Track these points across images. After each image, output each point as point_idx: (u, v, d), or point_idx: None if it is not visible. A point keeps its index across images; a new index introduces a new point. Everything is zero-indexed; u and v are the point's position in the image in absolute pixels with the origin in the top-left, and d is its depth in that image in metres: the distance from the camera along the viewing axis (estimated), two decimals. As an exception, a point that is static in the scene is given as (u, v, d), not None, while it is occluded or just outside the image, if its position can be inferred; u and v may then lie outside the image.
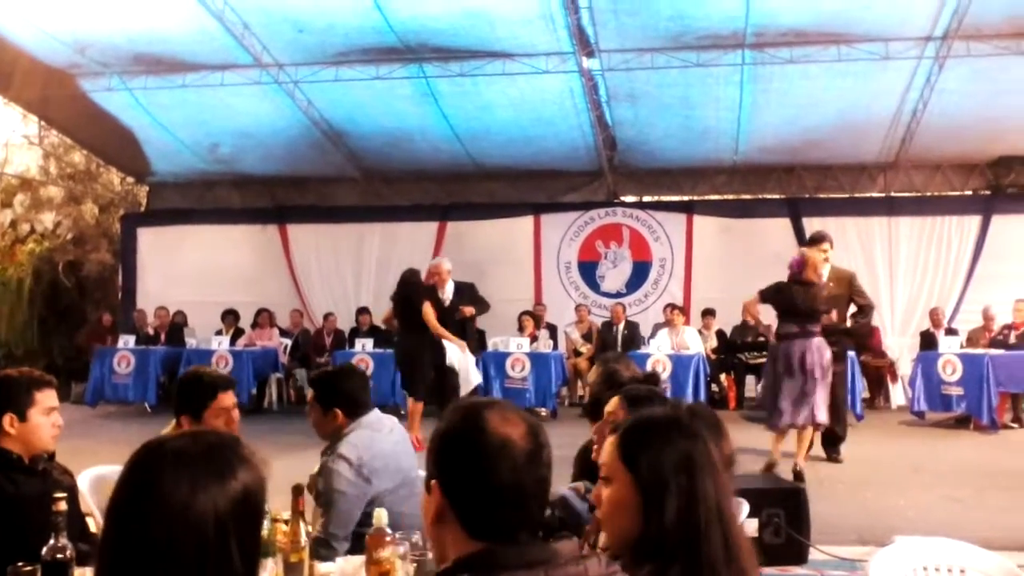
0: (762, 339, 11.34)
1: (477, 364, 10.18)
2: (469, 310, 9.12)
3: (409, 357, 8.95)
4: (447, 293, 9.06)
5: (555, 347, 11.64)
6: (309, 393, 3.56)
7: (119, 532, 1.37)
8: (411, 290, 8.94)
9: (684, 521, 1.71)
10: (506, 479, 1.53)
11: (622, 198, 13.69)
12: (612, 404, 2.95)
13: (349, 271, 13.70)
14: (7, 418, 2.82)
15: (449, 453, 1.59)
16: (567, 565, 1.53)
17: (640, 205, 13.69)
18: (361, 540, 2.46)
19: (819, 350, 7.12)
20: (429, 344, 8.79)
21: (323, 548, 3.11)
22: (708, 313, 12.18)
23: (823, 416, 7.14)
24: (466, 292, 9.25)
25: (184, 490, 1.35)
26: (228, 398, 3.25)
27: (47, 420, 2.88)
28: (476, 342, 10.14)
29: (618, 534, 1.81)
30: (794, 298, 7.22)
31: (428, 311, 8.72)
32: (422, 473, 3.74)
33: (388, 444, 3.49)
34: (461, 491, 1.56)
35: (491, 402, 1.66)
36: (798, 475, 6.85)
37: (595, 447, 3.01)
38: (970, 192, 12.93)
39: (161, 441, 1.46)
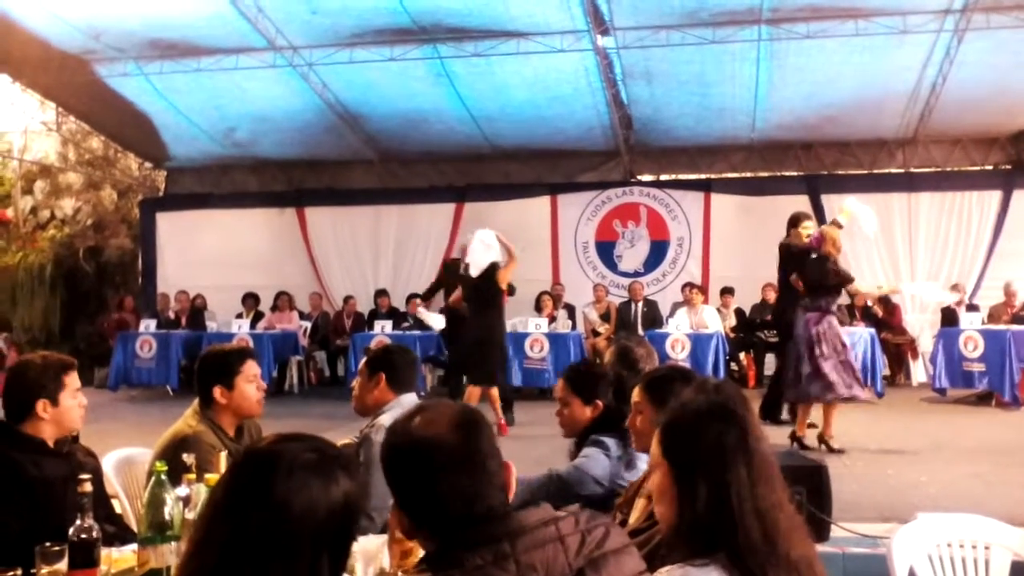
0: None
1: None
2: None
3: (481, 340, 8.55)
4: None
5: (573, 327, 11.61)
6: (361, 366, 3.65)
7: (218, 521, 1.40)
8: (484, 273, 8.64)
9: (716, 510, 1.70)
10: (445, 476, 1.56)
11: (639, 177, 13.64)
12: (635, 394, 2.89)
13: (367, 254, 13.72)
14: (40, 404, 2.85)
15: (390, 472, 1.62)
16: (535, 530, 1.54)
17: (657, 184, 13.62)
18: None
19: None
20: (501, 326, 8.78)
21: (363, 520, 3.09)
22: (726, 291, 12.14)
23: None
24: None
25: (290, 492, 1.37)
26: (256, 366, 3.35)
27: (75, 402, 2.94)
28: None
29: (661, 522, 1.83)
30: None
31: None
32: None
33: None
34: (413, 502, 1.59)
35: (419, 408, 1.68)
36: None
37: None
38: (991, 167, 12.81)
39: (272, 442, 1.50)
